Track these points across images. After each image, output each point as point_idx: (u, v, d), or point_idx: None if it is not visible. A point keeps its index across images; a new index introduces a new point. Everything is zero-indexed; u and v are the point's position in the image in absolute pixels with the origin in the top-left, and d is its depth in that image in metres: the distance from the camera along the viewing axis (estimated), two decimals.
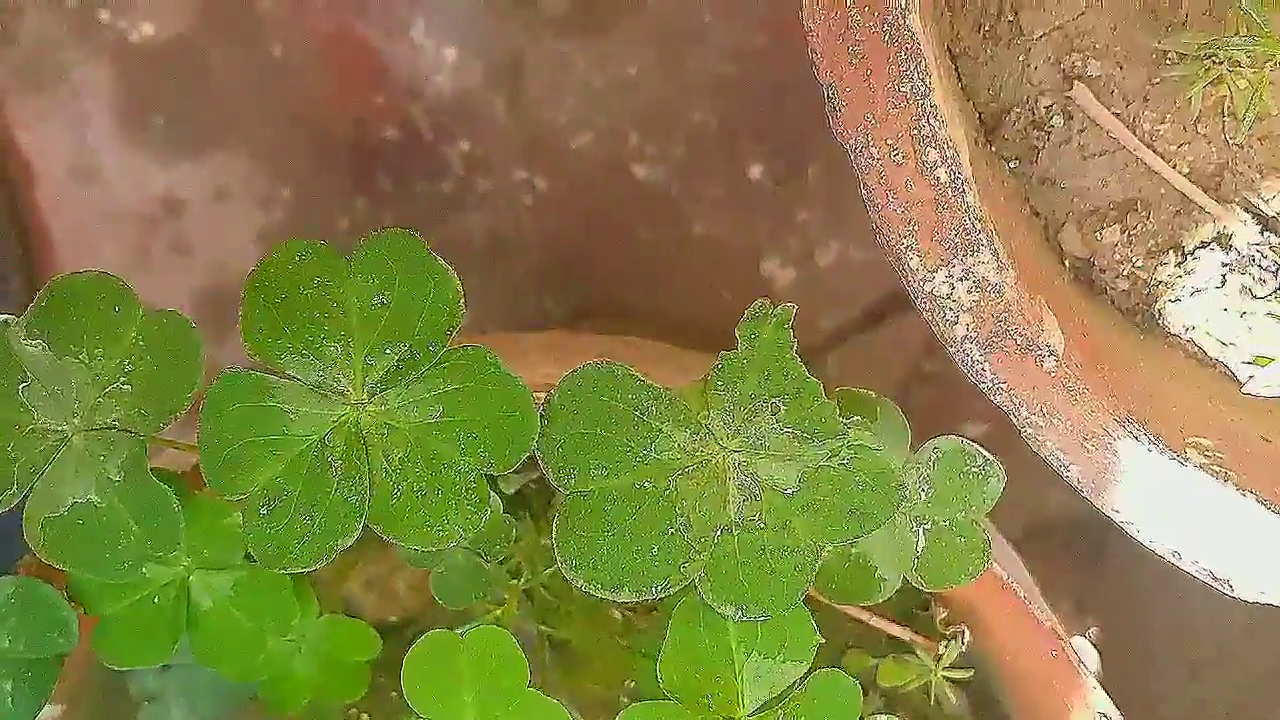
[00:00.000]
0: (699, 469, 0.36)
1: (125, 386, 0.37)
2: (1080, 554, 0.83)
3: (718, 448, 0.36)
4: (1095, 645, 0.65)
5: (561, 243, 0.81)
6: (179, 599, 0.43)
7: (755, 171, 0.79)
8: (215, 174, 0.79)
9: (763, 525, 0.36)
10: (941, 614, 0.51)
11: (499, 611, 0.49)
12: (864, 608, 0.49)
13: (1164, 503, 0.43)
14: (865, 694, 0.54)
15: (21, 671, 0.42)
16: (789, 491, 0.36)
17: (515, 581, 0.49)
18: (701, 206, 0.79)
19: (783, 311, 0.34)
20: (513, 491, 0.54)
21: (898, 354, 0.81)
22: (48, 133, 0.78)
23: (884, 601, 0.53)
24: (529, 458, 0.53)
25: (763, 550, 0.36)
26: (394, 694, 0.57)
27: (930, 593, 0.53)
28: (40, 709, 0.42)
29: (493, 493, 0.44)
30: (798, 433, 0.35)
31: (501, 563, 0.52)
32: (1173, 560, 0.44)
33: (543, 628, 0.51)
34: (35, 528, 0.37)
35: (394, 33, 0.77)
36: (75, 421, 0.37)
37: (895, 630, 0.49)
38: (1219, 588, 0.44)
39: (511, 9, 0.76)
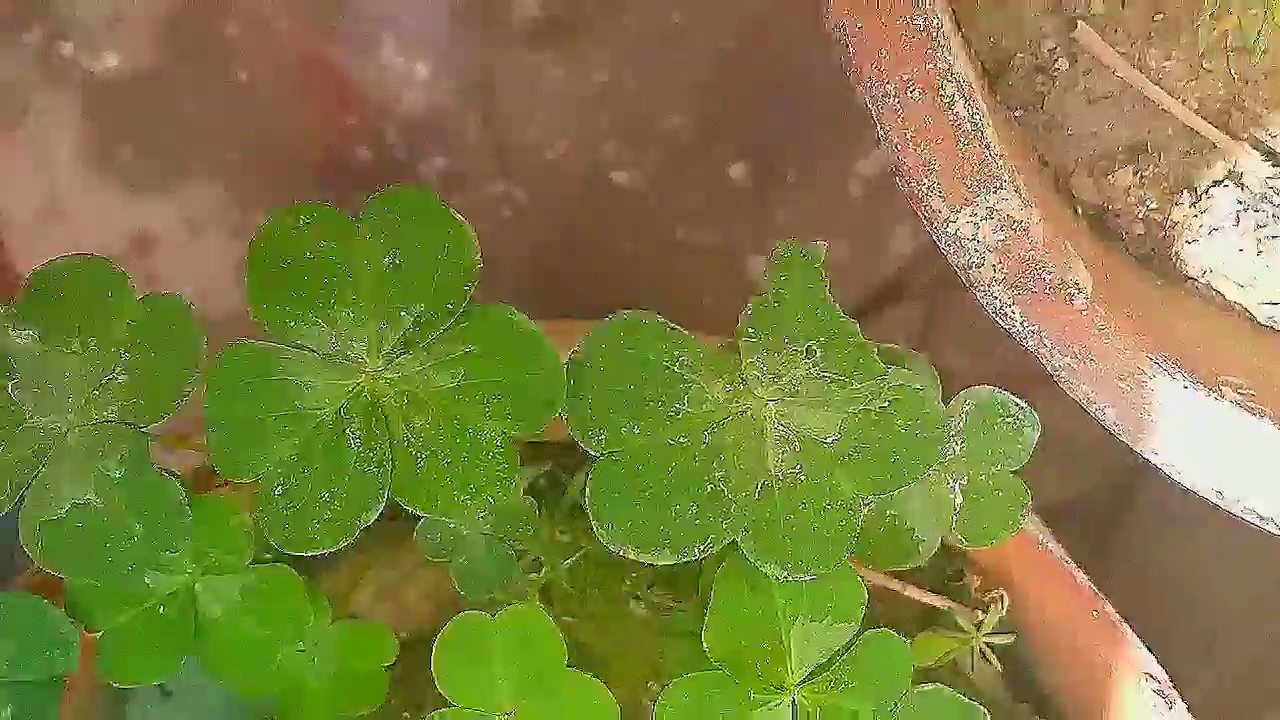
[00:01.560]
0: (734, 421, 0.34)
1: (121, 377, 0.35)
2: (1087, 539, 0.82)
3: (753, 398, 0.34)
4: None
5: (544, 254, 0.80)
6: (185, 608, 0.41)
7: (734, 174, 0.78)
8: (186, 206, 0.77)
9: (804, 478, 0.34)
10: (976, 582, 0.50)
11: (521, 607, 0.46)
12: (897, 577, 0.48)
13: (1202, 442, 0.42)
14: None
15: (21, 695, 0.39)
16: (830, 440, 0.34)
17: (534, 576, 0.47)
18: (682, 212, 0.79)
19: (813, 251, 0.33)
20: (524, 487, 0.52)
21: None
22: (13, 174, 0.76)
23: (914, 574, 0.52)
24: (536, 443, 0.52)
25: (805, 505, 0.34)
26: (406, 715, 0.54)
27: (962, 561, 0.52)
28: None
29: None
30: (836, 376, 0.33)
31: (519, 558, 0.50)
32: (1216, 501, 0.43)
33: (566, 618, 0.49)
34: (32, 533, 0.35)
35: (363, 52, 0.76)
36: (70, 417, 0.35)
37: (932, 599, 0.47)
38: (1264, 527, 0.43)
39: (480, 23, 0.76)
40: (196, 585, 0.41)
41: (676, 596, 0.52)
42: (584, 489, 0.35)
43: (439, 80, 0.76)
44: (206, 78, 0.76)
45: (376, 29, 0.75)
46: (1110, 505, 0.79)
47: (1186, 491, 0.68)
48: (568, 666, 0.37)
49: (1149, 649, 0.49)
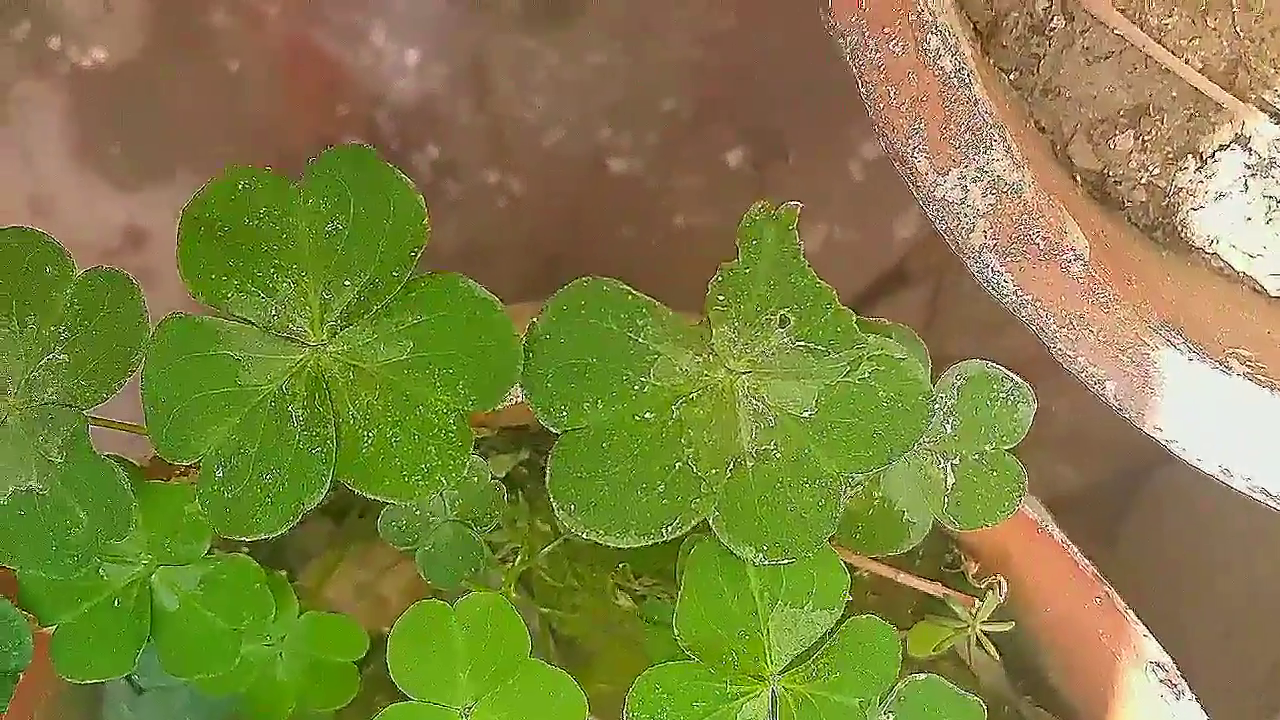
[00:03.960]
0: (704, 395, 0.32)
1: (62, 356, 0.33)
2: (1094, 532, 0.80)
3: (724, 370, 0.32)
4: None
5: (541, 244, 0.78)
6: (141, 601, 0.39)
7: (734, 157, 0.77)
8: (177, 199, 0.76)
9: (780, 455, 0.32)
10: (973, 568, 0.47)
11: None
12: (891, 565, 0.45)
13: (1208, 416, 0.40)
14: None
15: None
16: (806, 415, 0.32)
17: (510, 565, 0.45)
18: (682, 197, 0.77)
19: (786, 212, 0.31)
20: (504, 475, 0.50)
21: None
22: (3, 168, 0.75)
23: (911, 562, 0.50)
24: (516, 429, 0.50)
25: (781, 483, 0.32)
26: None
27: (959, 547, 0.49)
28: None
29: (480, 458, 0.41)
30: (811, 346, 0.31)
31: (495, 552, 0.48)
32: (1222, 478, 0.40)
33: (544, 610, 0.47)
34: None
35: (352, 39, 0.75)
36: (8, 400, 0.34)
37: (928, 587, 0.45)
38: (1273, 505, 0.41)
39: (472, 6, 0.74)
40: (153, 577, 0.39)
41: (665, 587, 0.50)
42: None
43: (431, 66, 0.74)
44: (195, 68, 0.74)
45: (366, 14, 0.74)
46: (1118, 497, 0.77)
47: (1193, 480, 0.66)
48: (537, 657, 0.35)
49: (1161, 639, 0.47)
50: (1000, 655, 0.51)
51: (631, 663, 0.52)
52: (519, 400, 0.43)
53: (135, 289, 0.33)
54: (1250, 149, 0.44)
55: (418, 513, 0.39)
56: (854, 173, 0.76)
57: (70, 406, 0.33)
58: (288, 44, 0.74)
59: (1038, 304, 0.37)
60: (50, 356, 0.33)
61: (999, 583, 0.45)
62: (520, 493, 0.49)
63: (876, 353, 0.32)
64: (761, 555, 0.32)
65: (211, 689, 0.43)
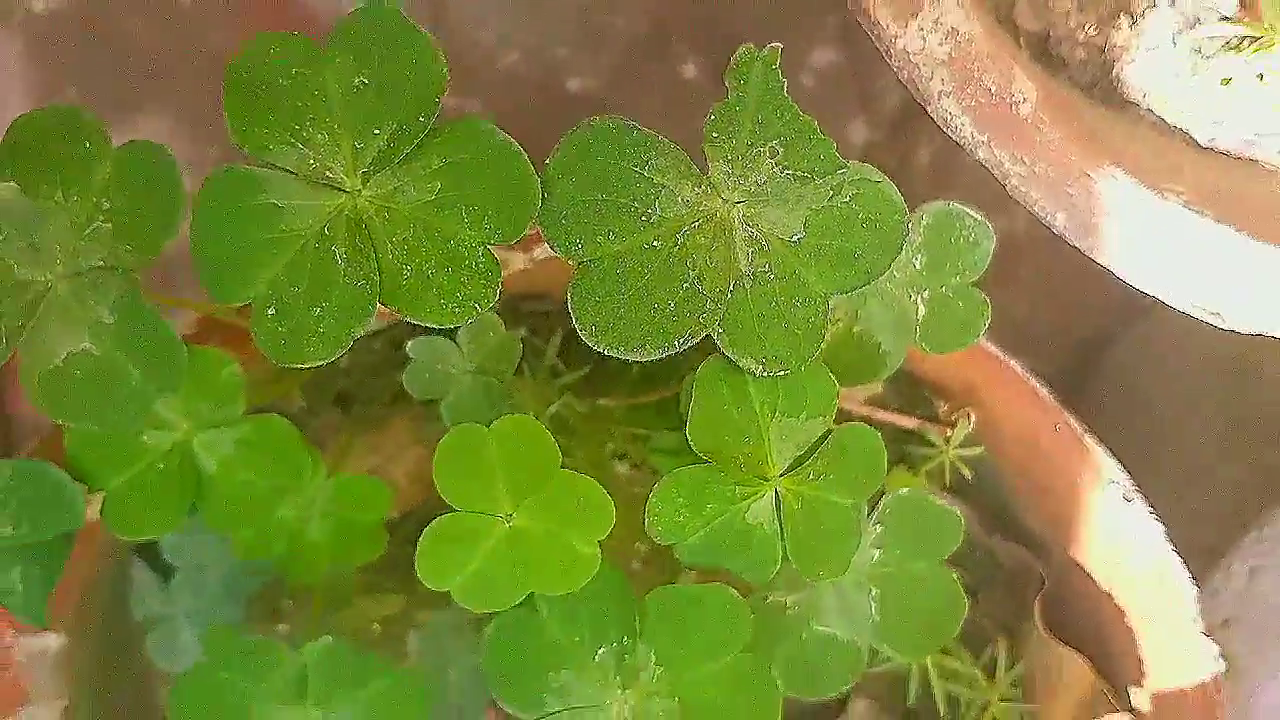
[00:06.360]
0: (705, 223, 0.35)
1: (105, 225, 0.36)
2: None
3: (721, 200, 0.36)
4: None
5: None
6: (185, 464, 0.42)
7: (689, 71, 0.78)
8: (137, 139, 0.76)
9: (773, 276, 0.36)
10: (943, 406, 0.52)
11: None
12: (869, 403, 0.50)
13: (1149, 242, 0.44)
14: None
15: (29, 556, 0.40)
16: (795, 239, 0.36)
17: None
18: (641, 115, 0.78)
19: (769, 53, 0.34)
20: None
21: None
22: None
23: (885, 407, 0.54)
24: (511, 309, 0.53)
25: (775, 302, 0.36)
26: (394, 596, 0.56)
27: (929, 389, 0.54)
28: (51, 592, 0.41)
29: (494, 314, 0.44)
30: (798, 174, 0.35)
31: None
32: (1165, 299, 0.45)
33: None
34: (33, 384, 0.36)
35: None
36: (57, 269, 0.36)
37: (902, 420, 0.49)
38: (1212, 322, 0.45)
39: None
40: (194, 441, 0.42)
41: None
42: (560, 341, 0.36)
43: None
44: (148, 6, 0.75)
45: None
46: (1064, 390, 0.81)
47: (1141, 368, 0.69)
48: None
49: None
50: (971, 506, 0.56)
51: (628, 532, 0.56)
52: (519, 269, 0.46)
53: (170, 157, 0.36)
54: (1176, 6, 0.48)
55: (439, 367, 0.42)
56: (806, 82, 0.79)
57: (119, 270, 0.36)
58: None
59: (993, 144, 0.41)
60: (94, 226, 0.36)
61: (968, 413, 0.50)
62: (523, 365, 0.52)
63: (856, 177, 0.35)
64: (760, 367, 0.36)
65: (250, 554, 0.46)
